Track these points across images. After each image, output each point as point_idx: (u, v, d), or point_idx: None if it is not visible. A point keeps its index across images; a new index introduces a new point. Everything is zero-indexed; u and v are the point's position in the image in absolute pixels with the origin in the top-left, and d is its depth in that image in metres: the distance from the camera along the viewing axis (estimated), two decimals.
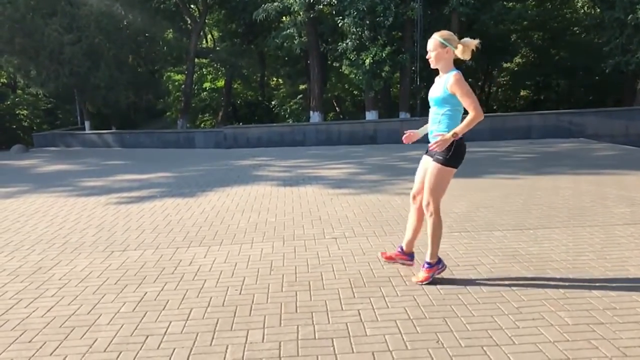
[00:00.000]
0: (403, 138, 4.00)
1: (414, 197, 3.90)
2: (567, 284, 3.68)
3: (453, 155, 3.54)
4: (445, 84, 3.51)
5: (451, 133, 3.45)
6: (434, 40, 3.56)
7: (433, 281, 3.74)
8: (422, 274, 3.79)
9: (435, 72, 3.70)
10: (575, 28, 26.30)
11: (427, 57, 3.65)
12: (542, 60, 26.60)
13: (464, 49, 3.56)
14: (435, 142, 3.48)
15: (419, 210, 3.84)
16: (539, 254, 4.38)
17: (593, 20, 20.80)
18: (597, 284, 3.65)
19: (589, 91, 25.77)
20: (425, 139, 3.90)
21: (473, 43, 3.57)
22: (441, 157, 3.56)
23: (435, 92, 3.61)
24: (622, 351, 2.72)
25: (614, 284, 3.63)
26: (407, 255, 4.01)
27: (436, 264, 3.76)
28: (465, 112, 3.52)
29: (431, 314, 3.25)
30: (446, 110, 3.56)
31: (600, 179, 7.94)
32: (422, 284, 3.74)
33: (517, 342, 2.85)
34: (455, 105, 3.54)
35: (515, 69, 29.43)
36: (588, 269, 3.96)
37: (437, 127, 3.63)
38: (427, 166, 3.71)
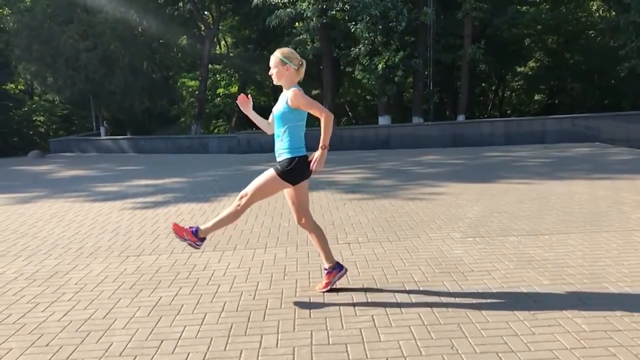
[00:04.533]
0: (239, 96, 3.93)
1: (300, 222, 3.76)
2: (583, 290, 3.63)
3: (291, 170, 3.49)
4: (286, 99, 3.48)
5: (320, 147, 3.44)
6: (275, 58, 3.53)
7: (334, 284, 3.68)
8: (185, 228, 3.72)
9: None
10: (590, 31, 26.08)
11: (269, 73, 3.61)
12: (557, 64, 26.41)
13: (300, 68, 3.56)
14: (314, 164, 3.46)
15: (309, 228, 3.76)
16: (555, 259, 4.33)
17: (608, 23, 20.62)
18: (614, 291, 3.60)
19: (605, 95, 25.51)
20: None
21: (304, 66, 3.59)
22: (280, 168, 3.52)
23: (277, 108, 3.58)
24: (639, 358, 2.69)
25: (631, 291, 3.58)
26: (335, 269, 3.83)
27: (200, 239, 3.71)
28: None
29: (445, 319, 3.23)
30: (286, 128, 3.51)
31: (616, 184, 7.85)
32: (173, 231, 3.72)
33: (533, 349, 2.82)
34: (295, 122, 3.51)
35: (529, 73, 29.24)
36: (605, 275, 3.91)
37: (279, 144, 3.58)
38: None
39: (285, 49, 3.60)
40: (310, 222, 3.74)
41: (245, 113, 3.98)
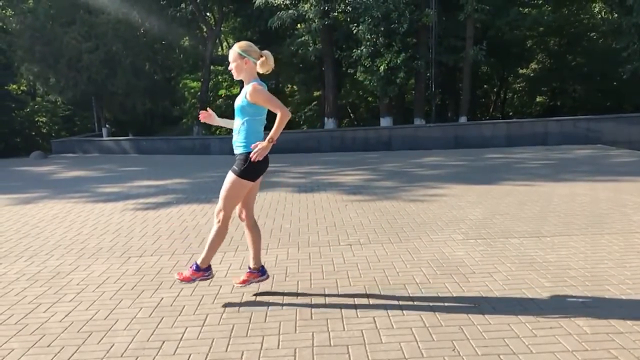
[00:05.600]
0: (200, 113, 3.92)
1: (240, 215, 3.81)
2: (585, 292, 3.63)
3: (249, 168, 3.49)
4: (245, 93, 3.47)
5: (267, 139, 3.43)
6: (233, 52, 3.52)
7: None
8: (187, 272, 3.74)
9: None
10: (592, 33, 26.05)
11: (229, 68, 3.58)
12: (559, 66, 26.36)
13: (263, 62, 3.53)
14: (255, 153, 3.44)
15: (249, 225, 3.80)
16: (557, 261, 4.33)
17: (610, 26, 20.63)
18: (616, 293, 3.59)
19: (606, 97, 25.47)
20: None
21: (271, 59, 3.56)
22: (237, 168, 3.51)
23: (237, 101, 3.58)
24: None
25: (633, 293, 3.58)
26: (258, 272, 3.86)
27: (204, 270, 3.72)
28: (271, 124, 3.44)
29: (447, 321, 3.23)
30: (245, 120, 3.51)
31: (618, 186, 7.84)
32: (180, 282, 3.73)
33: (535, 351, 2.81)
34: (253, 115, 3.50)
35: (531, 74, 29.20)
36: (607, 278, 3.90)
37: (236, 137, 3.57)
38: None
39: (244, 43, 3.57)
40: (251, 220, 3.79)
41: (214, 124, 3.97)
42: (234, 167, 3.55)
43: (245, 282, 3.87)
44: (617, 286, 3.72)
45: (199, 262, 3.71)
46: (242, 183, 3.55)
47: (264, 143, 3.44)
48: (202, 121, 3.92)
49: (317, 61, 23.94)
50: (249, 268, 3.87)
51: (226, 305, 3.64)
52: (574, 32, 25.60)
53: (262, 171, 3.62)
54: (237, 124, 3.58)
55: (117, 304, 3.76)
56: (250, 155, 3.46)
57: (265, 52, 3.56)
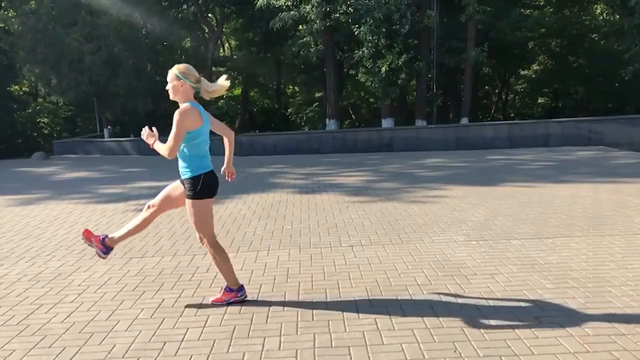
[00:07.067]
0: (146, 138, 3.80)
1: (149, 206, 3.81)
2: (587, 293, 3.63)
3: (202, 189, 3.48)
4: None
5: (152, 143, 3.53)
6: (171, 73, 3.49)
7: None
8: (220, 295, 3.72)
9: None
10: (594, 35, 26.04)
11: (166, 87, 3.54)
12: (560, 67, 26.36)
13: (209, 92, 3.50)
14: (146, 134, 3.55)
15: (147, 216, 3.80)
16: (558, 263, 4.32)
17: (612, 27, 20.62)
18: (618, 294, 3.59)
19: (608, 98, 25.46)
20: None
21: (222, 88, 3.52)
22: (191, 193, 3.50)
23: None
24: None
25: (635, 294, 3.57)
26: (105, 247, 3.86)
27: (237, 290, 3.70)
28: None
29: (449, 323, 3.22)
30: (183, 146, 3.46)
31: (620, 187, 7.83)
32: (214, 304, 3.69)
33: (537, 353, 2.81)
34: (188, 140, 3.43)
35: (533, 76, 29.22)
36: (608, 279, 3.90)
37: (180, 163, 3.55)
38: (178, 188, 3.70)
39: (182, 65, 3.53)
40: (152, 217, 3.83)
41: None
42: (187, 192, 3.52)
43: (91, 240, 3.85)
44: (619, 288, 3.71)
45: (230, 285, 3.69)
46: (202, 203, 3.51)
47: (151, 138, 3.55)
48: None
49: (318, 62, 23.95)
50: (104, 236, 3.85)
51: (227, 306, 3.64)
52: (576, 33, 25.59)
53: (216, 186, 3.59)
54: (179, 150, 3.52)
55: (118, 305, 3.76)
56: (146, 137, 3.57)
57: (203, 78, 3.52)
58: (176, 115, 3.34)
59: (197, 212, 3.53)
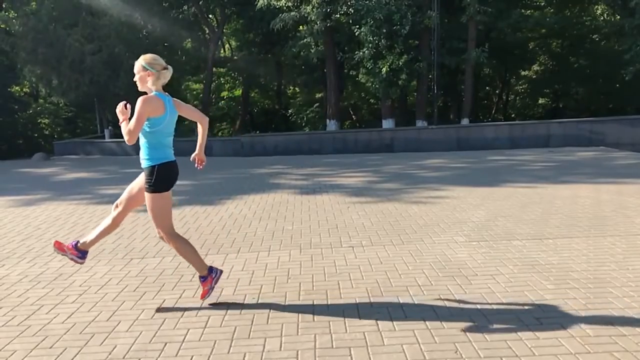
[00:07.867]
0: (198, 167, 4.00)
1: (116, 205, 3.80)
2: (588, 294, 3.62)
3: (157, 181, 3.46)
4: None
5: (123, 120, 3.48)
6: (138, 64, 3.48)
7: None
8: (202, 288, 3.72)
9: None
10: (595, 35, 26.04)
11: (134, 79, 3.54)
12: (561, 68, 26.37)
13: (158, 77, 3.49)
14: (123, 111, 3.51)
15: (116, 217, 3.78)
16: (559, 263, 4.32)
17: (613, 28, 20.62)
18: (619, 295, 3.59)
19: (609, 99, 25.46)
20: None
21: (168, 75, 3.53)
22: (147, 185, 3.49)
23: None
24: None
25: (636, 295, 3.57)
26: (80, 252, 3.83)
27: (209, 273, 3.69)
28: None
29: (449, 324, 3.22)
30: (144, 134, 3.46)
31: (621, 188, 7.82)
32: (203, 299, 3.70)
33: (537, 354, 2.81)
34: (149, 127, 3.42)
35: (534, 76, 29.21)
36: (609, 280, 3.90)
37: (140, 152, 3.55)
38: (138, 183, 3.69)
39: (148, 56, 3.53)
40: (121, 217, 3.79)
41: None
42: (145, 185, 3.52)
43: (65, 250, 3.81)
44: (620, 288, 3.71)
45: (199, 273, 3.70)
46: (158, 196, 3.51)
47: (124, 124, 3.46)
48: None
49: (319, 63, 23.97)
50: (75, 242, 3.81)
51: (228, 307, 3.64)
52: (577, 34, 25.60)
53: (173, 179, 3.58)
54: (140, 139, 3.52)
55: (119, 305, 3.76)
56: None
57: (169, 67, 3.54)
58: (138, 102, 3.33)
59: (154, 207, 3.52)
